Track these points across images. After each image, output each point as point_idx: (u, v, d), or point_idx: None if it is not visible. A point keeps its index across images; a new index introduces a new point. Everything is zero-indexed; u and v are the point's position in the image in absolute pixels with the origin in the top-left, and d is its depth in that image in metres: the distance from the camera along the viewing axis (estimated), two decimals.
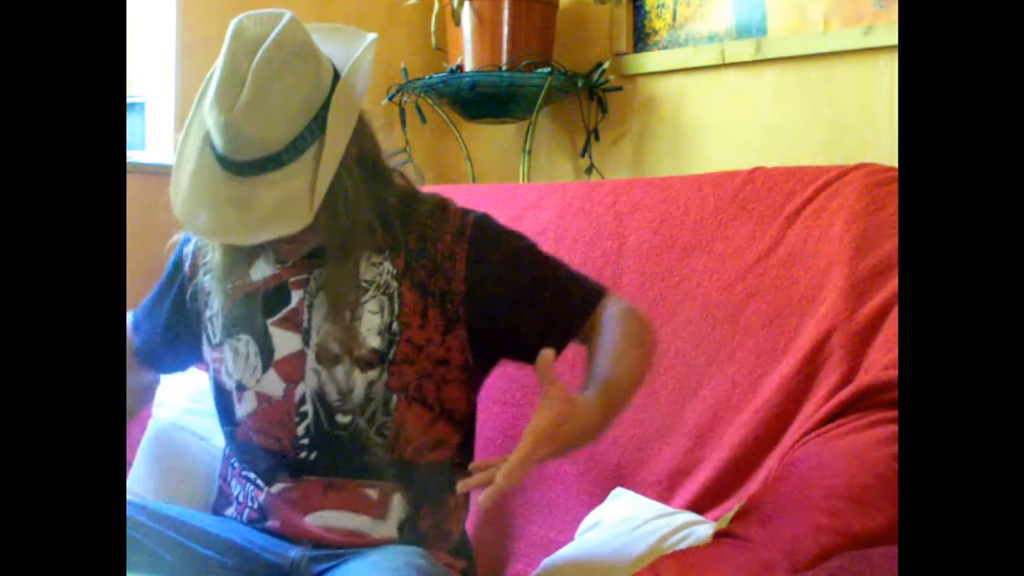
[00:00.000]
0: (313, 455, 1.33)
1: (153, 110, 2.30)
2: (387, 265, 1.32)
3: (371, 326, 1.30)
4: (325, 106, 1.24)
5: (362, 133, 1.30)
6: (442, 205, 1.37)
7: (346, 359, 1.30)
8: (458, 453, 1.39)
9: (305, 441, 1.32)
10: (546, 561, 1.52)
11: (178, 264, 1.45)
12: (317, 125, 1.23)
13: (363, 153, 1.30)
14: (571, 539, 1.54)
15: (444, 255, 1.32)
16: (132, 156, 2.22)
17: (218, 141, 1.22)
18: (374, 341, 1.30)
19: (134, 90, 2.29)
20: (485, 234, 1.34)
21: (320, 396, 1.31)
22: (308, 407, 1.32)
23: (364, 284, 1.31)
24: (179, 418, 1.53)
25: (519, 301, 1.32)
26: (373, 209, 1.30)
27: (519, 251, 1.37)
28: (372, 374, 1.31)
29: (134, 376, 1.45)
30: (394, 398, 1.31)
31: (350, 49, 1.30)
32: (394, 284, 1.31)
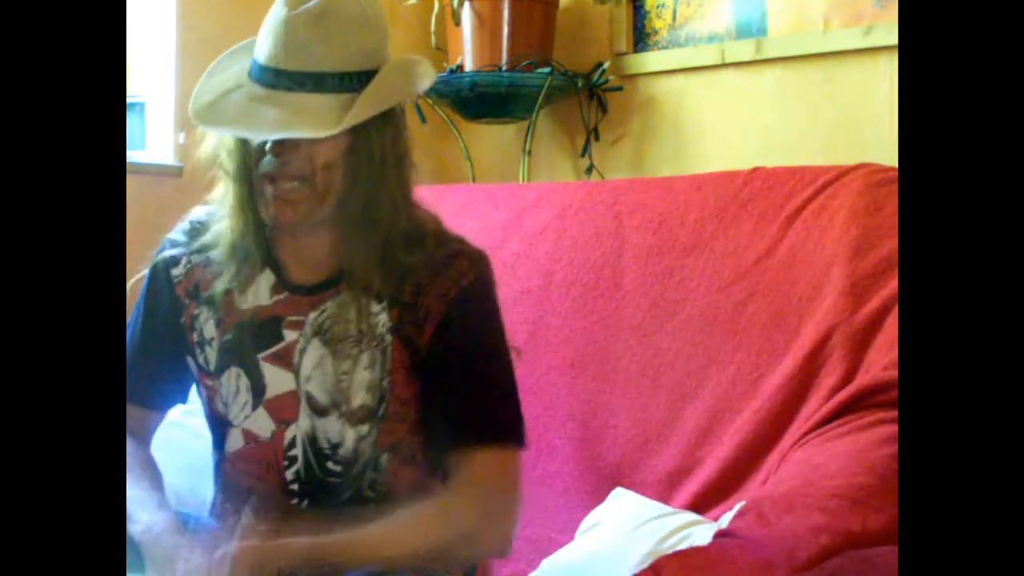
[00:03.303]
0: (304, 503, 1.29)
1: (153, 110, 2.30)
2: (383, 316, 1.26)
3: (361, 381, 1.25)
4: (366, 74, 1.21)
5: (400, 132, 1.26)
6: (452, 257, 1.28)
7: (334, 412, 1.27)
8: None
9: (295, 487, 1.28)
10: (546, 561, 1.52)
11: (169, 290, 1.34)
12: (362, 82, 1.20)
13: (397, 157, 1.25)
14: (571, 539, 1.54)
15: (426, 311, 1.25)
16: (132, 156, 2.22)
17: (267, 43, 1.18)
18: (364, 397, 1.26)
19: (134, 90, 2.29)
20: (466, 305, 1.26)
21: (311, 441, 1.28)
22: (298, 451, 1.28)
23: (357, 335, 1.26)
24: (175, 417, 1.52)
25: (452, 388, 1.26)
26: (392, 231, 1.25)
27: (483, 343, 1.28)
28: (362, 429, 1.27)
29: (138, 421, 1.35)
30: (384, 456, 1.28)
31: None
32: (388, 338, 1.26)
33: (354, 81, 1.19)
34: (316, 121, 1.17)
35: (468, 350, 1.26)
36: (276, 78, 1.18)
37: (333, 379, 1.26)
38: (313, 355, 1.27)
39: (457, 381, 1.26)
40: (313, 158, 1.19)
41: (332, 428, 1.27)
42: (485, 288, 1.29)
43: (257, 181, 1.23)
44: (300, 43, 1.17)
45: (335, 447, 1.27)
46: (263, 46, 1.20)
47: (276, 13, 1.19)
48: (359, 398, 1.26)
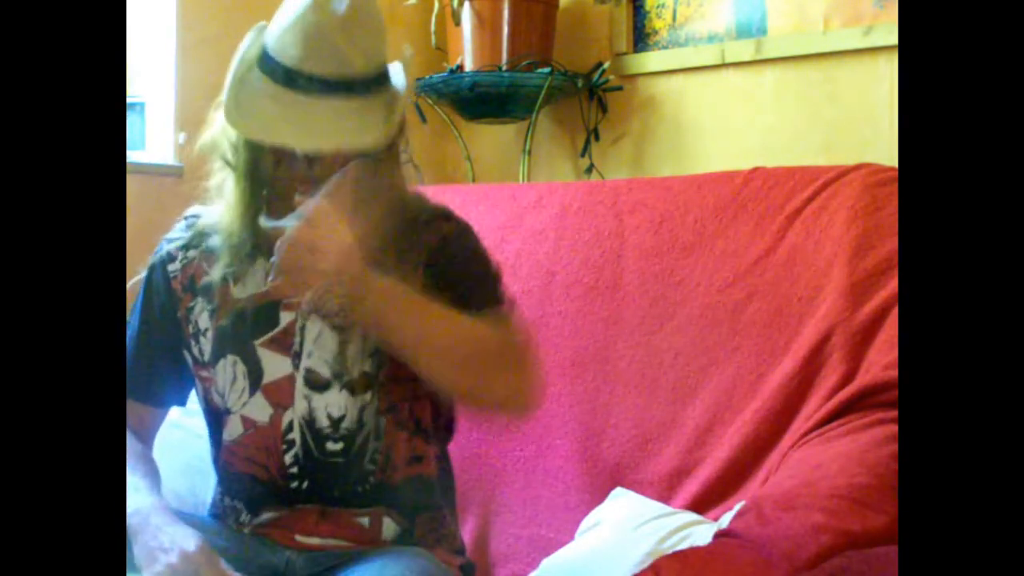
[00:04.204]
0: (304, 484, 1.31)
1: (153, 110, 2.30)
2: None
3: (360, 348, 1.28)
4: (387, 74, 1.24)
5: (404, 126, 1.29)
6: (435, 218, 1.32)
7: (336, 384, 1.29)
8: (437, 466, 1.37)
9: (294, 470, 1.30)
10: (546, 561, 1.52)
11: (166, 285, 1.35)
12: (384, 79, 1.23)
13: (398, 152, 1.28)
14: (571, 539, 1.54)
15: (413, 263, 1.28)
16: (132, 156, 2.22)
17: (298, 49, 1.18)
18: (364, 364, 1.28)
19: (134, 90, 2.29)
20: (450, 246, 1.30)
21: (309, 424, 1.29)
22: (296, 435, 1.29)
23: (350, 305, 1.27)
24: (174, 417, 1.53)
25: (446, 290, 1.25)
26: (395, 216, 1.27)
27: (471, 266, 1.31)
28: (364, 398, 1.29)
29: (140, 418, 1.37)
30: (384, 421, 1.30)
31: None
32: None
33: (376, 84, 1.22)
34: (363, 131, 1.19)
35: (455, 269, 1.28)
36: (308, 83, 1.19)
37: (333, 350, 1.28)
38: (312, 330, 1.29)
39: (448, 287, 1.25)
40: (338, 161, 1.20)
41: (334, 402, 1.29)
42: (467, 237, 1.33)
43: (274, 178, 1.24)
44: (333, 49, 1.18)
45: (337, 422, 1.28)
46: (290, 48, 1.19)
47: (305, 16, 1.19)
48: (360, 366, 1.28)
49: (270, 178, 1.25)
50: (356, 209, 1.20)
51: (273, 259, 1.13)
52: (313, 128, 1.18)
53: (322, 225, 1.12)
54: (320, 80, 1.18)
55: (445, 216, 1.34)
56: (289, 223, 1.13)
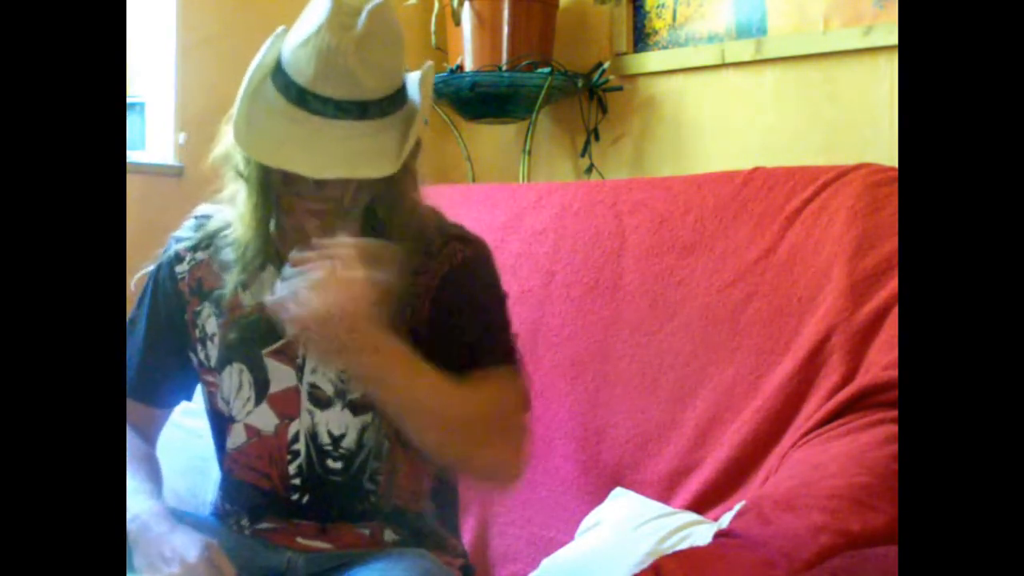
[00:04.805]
0: (306, 498, 1.30)
1: (153, 110, 2.30)
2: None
3: None
4: (403, 90, 1.22)
5: (417, 144, 1.25)
6: (447, 242, 1.30)
7: (338, 402, 1.28)
8: (439, 486, 1.37)
9: (297, 482, 1.30)
10: (546, 561, 1.52)
11: (173, 286, 1.34)
12: (400, 98, 1.21)
13: (412, 170, 1.26)
14: (571, 539, 1.54)
15: (423, 288, 1.26)
16: (132, 156, 2.22)
17: (311, 68, 1.15)
18: None
19: (134, 90, 2.29)
20: (460, 276, 1.28)
21: (313, 437, 1.29)
22: (301, 446, 1.29)
23: None
24: (174, 417, 1.53)
25: (453, 338, 1.25)
26: (405, 234, 1.25)
27: (479, 302, 1.28)
28: (365, 418, 1.28)
29: (144, 419, 1.37)
30: (386, 443, 1.29)
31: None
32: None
33: (391, 104, 1.19)
34: (375, 156, 1.16)
35: (464, 309, 1.26)
36: (320, 104, 1.16)
37: (337, 369, 1.27)
38: None
39: (456, 332, 1.25)
40: (348, 184, 1.20)
41: (335, 420, 1.28)
42: (480, 264, 1.31)
43: (282, 194, 1.23)
44: (346, 71, 1.15)
45: (337, 440, 1.28)
46: (303, 65, 1.17)
47: (320, 34, 1.16)
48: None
49: (280, 193, 1.24)
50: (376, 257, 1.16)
51: (282, 286, 1.11)
52: (323, 152, 1.16)
53: (340, 274, 1.10)
54: (333, 102, 1.16)
55: (461, 238, 1.31)
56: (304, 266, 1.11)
